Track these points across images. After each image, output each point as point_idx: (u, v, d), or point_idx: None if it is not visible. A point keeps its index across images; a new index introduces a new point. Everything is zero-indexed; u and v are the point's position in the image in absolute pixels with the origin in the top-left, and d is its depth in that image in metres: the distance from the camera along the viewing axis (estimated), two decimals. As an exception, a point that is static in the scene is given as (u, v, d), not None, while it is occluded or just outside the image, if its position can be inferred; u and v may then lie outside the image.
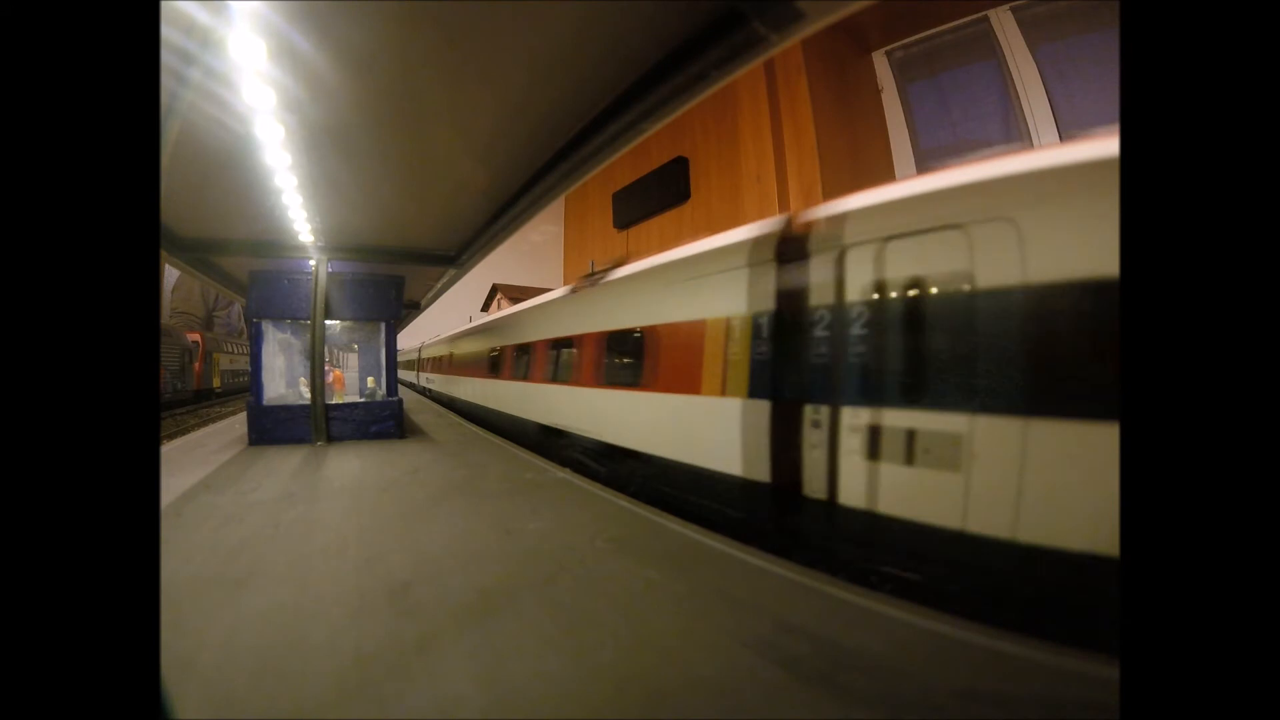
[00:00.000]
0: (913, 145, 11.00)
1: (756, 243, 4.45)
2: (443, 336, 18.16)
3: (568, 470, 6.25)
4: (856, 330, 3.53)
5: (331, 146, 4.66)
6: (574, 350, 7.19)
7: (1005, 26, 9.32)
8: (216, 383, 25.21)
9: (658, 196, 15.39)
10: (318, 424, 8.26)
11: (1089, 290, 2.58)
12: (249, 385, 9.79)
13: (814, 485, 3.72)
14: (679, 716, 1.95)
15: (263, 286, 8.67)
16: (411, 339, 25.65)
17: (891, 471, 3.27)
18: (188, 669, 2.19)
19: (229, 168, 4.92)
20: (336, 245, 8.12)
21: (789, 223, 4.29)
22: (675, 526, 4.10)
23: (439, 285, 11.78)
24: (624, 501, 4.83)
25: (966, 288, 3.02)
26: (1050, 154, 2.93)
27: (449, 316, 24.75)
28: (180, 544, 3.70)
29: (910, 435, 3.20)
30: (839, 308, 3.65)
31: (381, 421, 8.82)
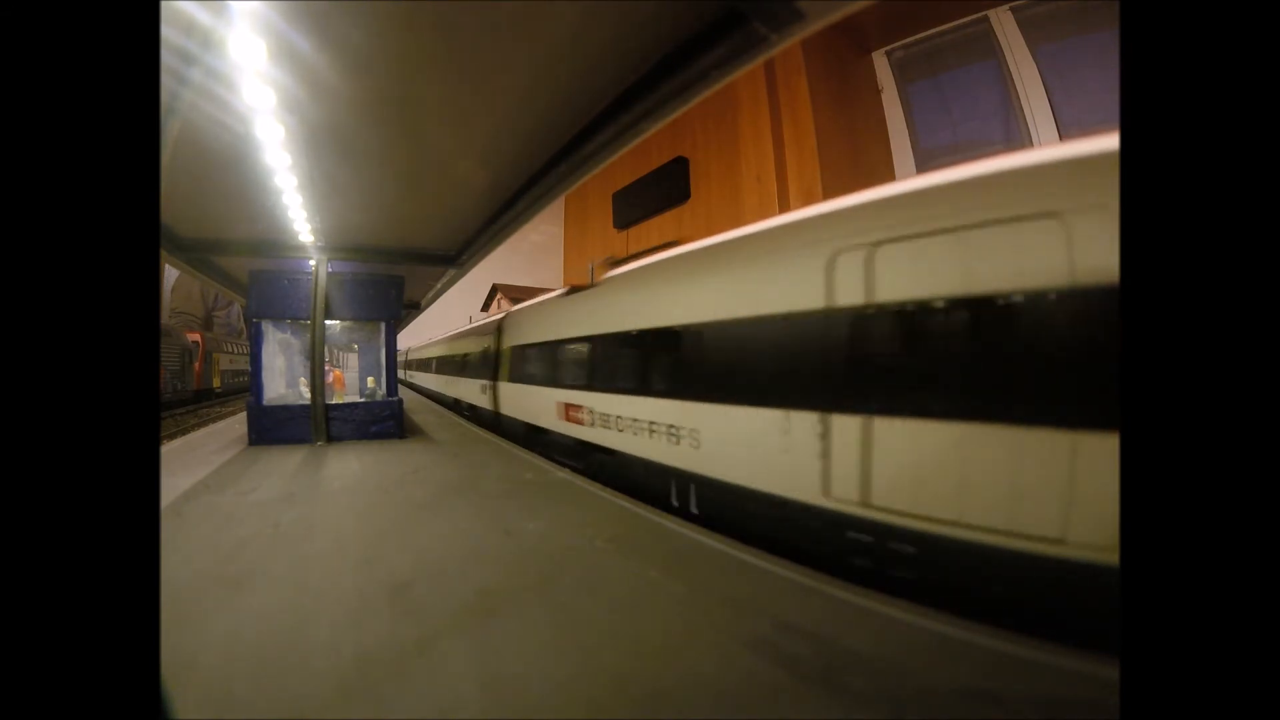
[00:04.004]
0: (913, 145, 11.01)
1: (495, 323, 11.11)
2: (420, 346, 26.15)
3: (567, 470, 6.28)
4: (508, 360, 9.62)
5: (331, 146, 4.66)
6: (462, 361, 14.16)
7: (1005, 26, 9.33)
8: (216, 383, 25.20)
9: (658, 196, 15.39)
10: (318, 424, 8.26)
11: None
12: (249, 385, 9.78)
13: (536, 419, 8.82)
14: (679, 717, 1.95)
15: (263, 286, 8.67)
16: (410, 339, 25.91)
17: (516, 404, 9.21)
18: (188, 669, 2.19)
19: (229, 168, 4.92)
20: (336, 245, 8.12)
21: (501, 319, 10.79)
22: (675, 527, 4.10)
23: (439, 285, 11.80)
24: (624, 501, 4.83)
25: (533, 345, 8.67)
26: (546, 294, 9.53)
27: (449, 316, 24.83)
28: (180, 544, 3.70)
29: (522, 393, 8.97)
30: (503, 350, 9.97)
31: (381, 421, 8.82)
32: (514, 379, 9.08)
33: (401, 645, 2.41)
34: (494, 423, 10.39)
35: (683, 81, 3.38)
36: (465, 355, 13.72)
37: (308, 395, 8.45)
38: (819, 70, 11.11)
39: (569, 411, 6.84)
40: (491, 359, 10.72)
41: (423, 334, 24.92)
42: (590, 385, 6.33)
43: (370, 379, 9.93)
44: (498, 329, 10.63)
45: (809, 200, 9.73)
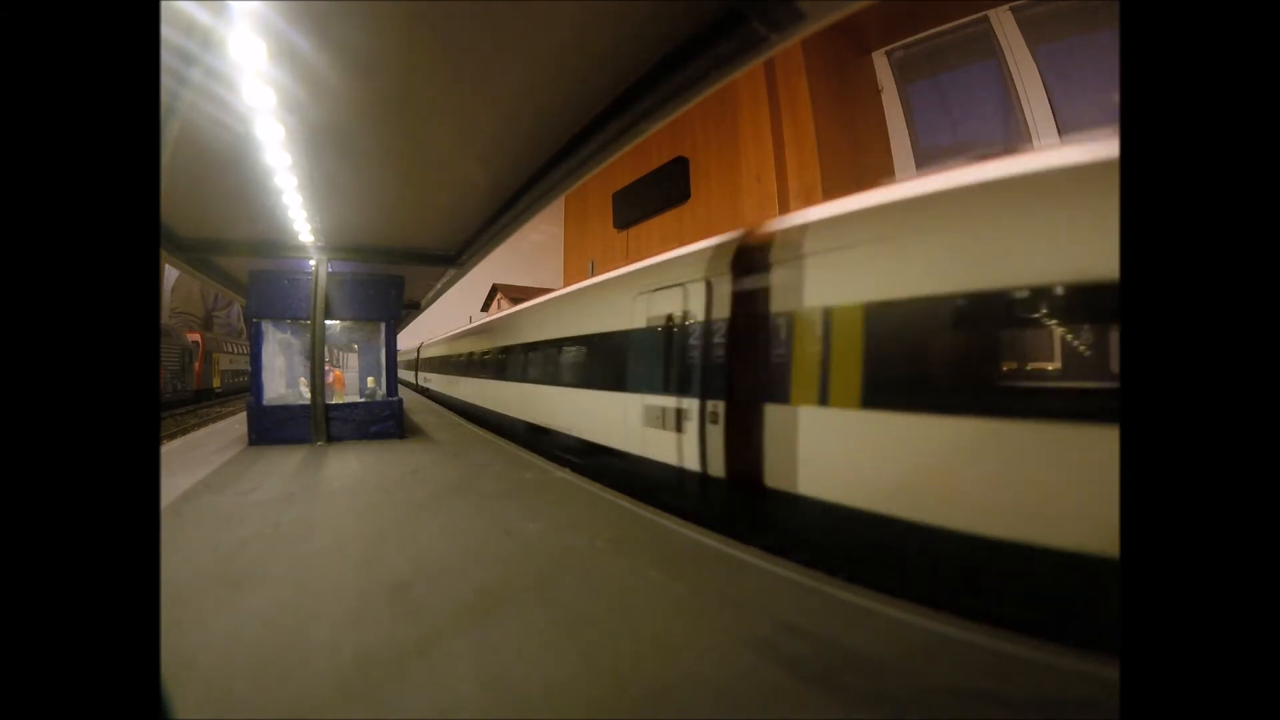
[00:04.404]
0: (913, 145, 11.00)
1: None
2: (445, 337, 18.83)
3: (567, 470, 6.27)
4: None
5: (331, 146, 4.66)
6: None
7: (1005, 26, 9.32)
8: (216, 383, 25.20)
9: (658, 196, 15.37)
10: (318, 424, 8.26)
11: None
12: (249, 385, 9.79)
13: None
14: (679, 717, 1.95)
15: (263, 286, 8.67)
16: (411, 339, 25.60)
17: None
18: (188, 669, 2.19)
19: (229, 168, 4.92)
20: (336, 245, 8.12)
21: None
22: (675, 526, 4.10)
23: (439, 285, 11.79)
24: (624, 501, 4.83)
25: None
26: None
27: (449, 317, 24.80)
28: (180, 544, 3.70)
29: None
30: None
31: (381, 421, 8.81)
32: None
33: (401, 645, 2.41)
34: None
35: (683, 81, 3.38)
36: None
37: (308, 395, 8.45)
38: (819, 70, 11.10)
39: None
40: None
41: (422, 333, 24.66)
42: None
43: (370, 379, 9.92)
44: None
45: (809, 200, 9.72)
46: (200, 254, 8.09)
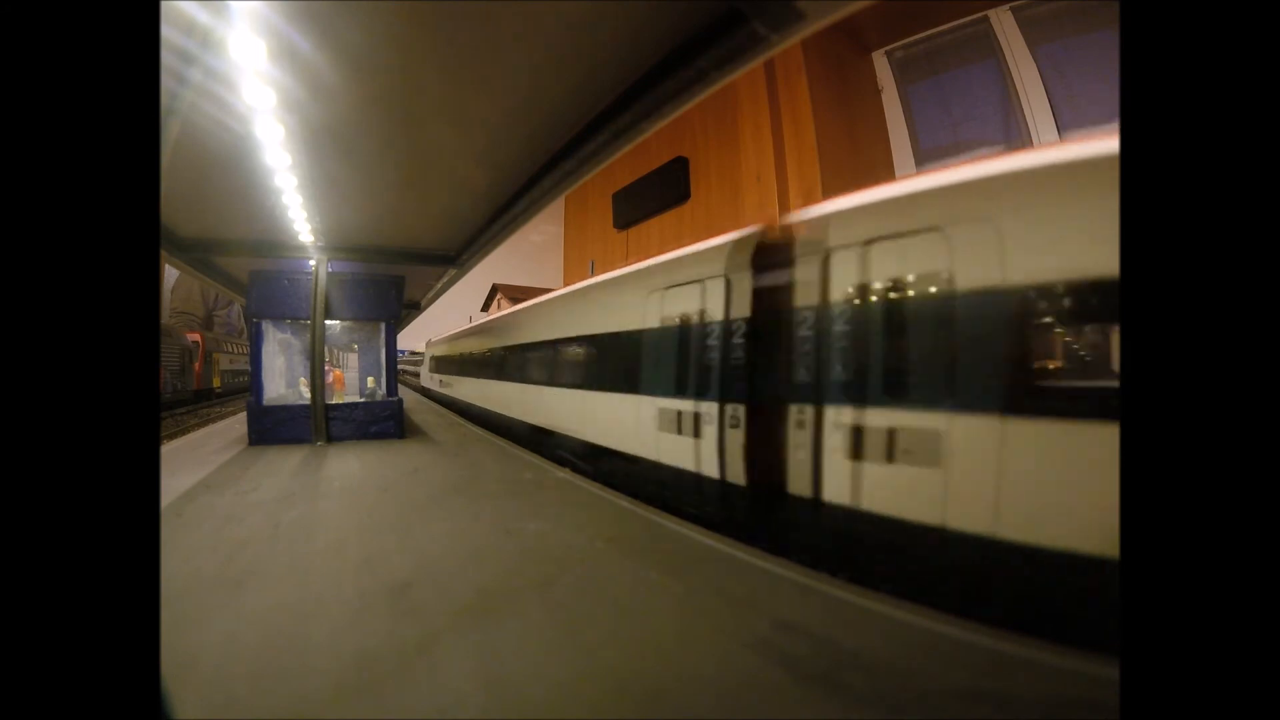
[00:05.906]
0: (913, 145, 11.00)
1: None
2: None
3: (567, 470, 6.27)
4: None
5: (331, 146, 4.66)
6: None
7: (1005, 26, 9.32)
8: (216, 383, 25.21)
9: (658, 196, 15.37)
10: (318, 424, 8.26)
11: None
12: (249, 385, 9.80)
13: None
14: (679, 717, 1.95)
15: (263, 286, 8.67)
16: (412, 339, 25.15)
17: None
18: (188, 669, 2.19)
19: (229, 168, 4.92)
20: (336, 245, 8.12)
21: None
22: (674, 526, 4.10)
23: (439, 285, 11.79)
24: (624, 502, 4.83)
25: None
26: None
27: (449, 318, 24.79)
28: (180, 544, 3.70)
29: None
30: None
31: (381, 421, 8.82)
32: None
33: (402, 645, 2.41)
34: None
35: (683, 81, 3.37)
36: None
37: (308, 395, 8.45)
38: (819, 70, 11.10)
39: None
40: None
41: (422, 333, 24.31)
42: None
43: (370, 379, 9.93)
44: None
45: (809, 200, 9.72)
46: (200, 254, 8.08)
